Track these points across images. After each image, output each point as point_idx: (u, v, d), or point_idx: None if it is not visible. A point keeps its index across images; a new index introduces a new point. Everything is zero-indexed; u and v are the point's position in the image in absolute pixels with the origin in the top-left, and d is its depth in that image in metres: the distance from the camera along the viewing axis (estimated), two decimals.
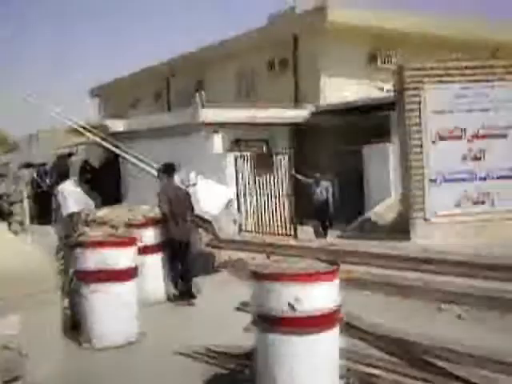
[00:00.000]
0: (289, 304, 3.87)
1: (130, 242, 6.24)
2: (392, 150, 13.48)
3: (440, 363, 4.28)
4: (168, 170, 7.91)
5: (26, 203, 14.35)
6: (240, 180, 14.55)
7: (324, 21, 17.40)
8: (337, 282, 4.06)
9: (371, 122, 14.32)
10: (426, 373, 4.26)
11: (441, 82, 11.03)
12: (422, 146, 10.95)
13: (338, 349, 4.11)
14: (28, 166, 18.47)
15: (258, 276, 4.06)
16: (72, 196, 6.57)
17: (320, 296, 3.94)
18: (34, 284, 2.32)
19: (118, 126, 19.51)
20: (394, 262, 7.59)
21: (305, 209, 13.05)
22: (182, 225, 7.73)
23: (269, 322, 3.97)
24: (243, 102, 19.31)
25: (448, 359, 4.38)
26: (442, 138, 10.98)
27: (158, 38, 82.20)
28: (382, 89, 17.95)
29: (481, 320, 6.23)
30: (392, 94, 12.82)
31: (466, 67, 11.17)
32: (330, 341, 4.04)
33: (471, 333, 5.88)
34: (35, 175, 17.20)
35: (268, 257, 6.13)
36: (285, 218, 13.41)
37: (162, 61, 24.83)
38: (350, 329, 4.48)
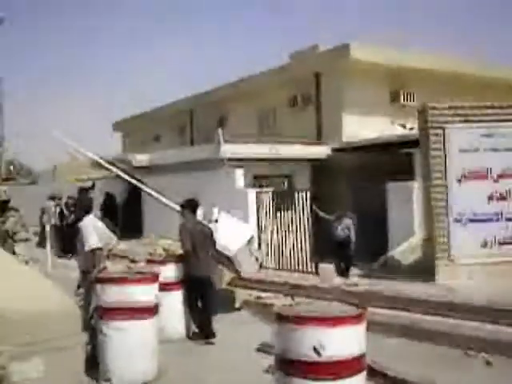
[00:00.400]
0: (314, 348, 3.76)
1: (152, 278, 6.18)
2: (416, 188, 13.34)
3: None
4: (191, 205, 7.88)
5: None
6: (261, 216, 14.48)
7: (347, 58, 17.51)
8: (363, 326, 3.94)
9: (394, 160, 14.22)
10: None
11: (466, 121, 10.97)
12: (446, 185, 10.83)
13: None
14: (53, 198, 18.70)
15: (282, 318, 3.96)
16: (95, 231, 6.55)
17: (346, 341, 3.82)
18: (58, 327, 2.26)
19: (140, 160, 19.71)
20: (420, 306, 7.41)
21: (326, 246, 12.88)
22: (204, 261, 7.64)
23: (292, 365, 3.85)
24: (265, 137, 19.40)
25: None
26: (467, 178, 10.85)
27: (179, 74, 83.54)
28: (404, 126, 17.92)
29: (510, 367, 6.02)
30: (415, 131, 12.76)
31: (491, 107, 11.11)
32: None
33: (499, 380, 5.70)
34: (63, 207, 17.35)
35: (292, 298, 6.01)
36: (306, 255, 13.26)
37: (185, 97, 25.19)
38: (375, 375, 4.33)
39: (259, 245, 13.82)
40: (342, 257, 12.82)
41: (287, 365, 3.90)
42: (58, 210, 17.49)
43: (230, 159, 15.72)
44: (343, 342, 3.81)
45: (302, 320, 3.84)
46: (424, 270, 10.98)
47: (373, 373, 4.30)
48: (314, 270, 12.72)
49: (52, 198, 19.52)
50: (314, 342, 3.76)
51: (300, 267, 13.11)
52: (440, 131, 10.91)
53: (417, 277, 10.65)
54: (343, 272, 12.55)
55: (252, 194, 14.87)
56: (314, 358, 3.77)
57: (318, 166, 17.13)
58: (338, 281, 11.04)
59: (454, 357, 6.46)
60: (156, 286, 6.14)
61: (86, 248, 6.43)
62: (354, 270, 12.72)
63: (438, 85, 17.24)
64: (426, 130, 11.04)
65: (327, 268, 12.20)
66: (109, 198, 20.62)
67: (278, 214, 14.17)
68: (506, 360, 6.23)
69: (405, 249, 12.79)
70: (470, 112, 10.99)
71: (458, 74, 18.35)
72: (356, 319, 3.90)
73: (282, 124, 20.31)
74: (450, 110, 10.98)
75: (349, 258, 12.82)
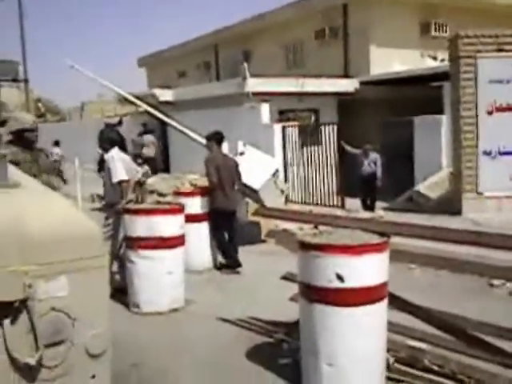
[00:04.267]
0: (337, 275, 3.80)
1: (178, 210, 6.27)
2: (445, 121, 13.08)
3: (488, 339, 4.14)
4: (217, 137, 7.87)
5: None
6: (287, 150, 14.44)
7: None
8: (387, 254, 3.96)
9: (423, 94, 13.92)
10: (474, 348, 4.14)
11: (498, 50, 10.60)
12: (477, 116, 10.59)
13: (385, 322, 4.03)
14: (57, 143, 19.21)
15: (305, 246, 3.99)
16: (122, 163, 6.62)
17: (369, 268, 3.85)
18: (82, 248, 2.32)
19: (166, 95, 19.63)
20: (445, 236, 7.35)
21: (352, 180, 12.86)
22: (230, 194, 7.71)
23: (315, 292, 3.91)
24: (291, 72, 19.07)
25: (496, 335, 4.24)
26: (498, 109, 10.59)
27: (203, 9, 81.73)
28: (435, 58, 17.43)
29: None
30: (446, 63, 12.41)
31: None
32: (377, 314, 3.95)
33: None
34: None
35: (316, 227, 6.04)
36: (332, 189, 13.29)
37: (210, 31, 24.75)
38: (396, 302, 4.37)
39: (285, 179, 13.85)
40: (368, 191, 12.81)
41: (310, 292, 3.96)
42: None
43: (255, 94, 15.55)
44: (365, 269, 3.84)
45: (324, 248, 3.86)
46: (451, 204, 10.93)
47: (395, 301, 4.34)
48: (339, 203, 12.78)
49: (56, 143, 20.03)
50: (337, 269, 3.79)
51: (326, 201, 13.16)
52: (471, 61, 10.59)
53: (443, 211, 10.61)
54: (369, 206, 12.57)
55: (278, 128, 14.77)
56: (337, 284, 3.81)
57: (345, 101, 16.87)
58: (363, 214, 11.07)
59: (478, 287, 6.49)
60: (182, 217, 6.24)
61: (114, 180, 6.52)
62: (379, 204, 12.72)
63: (471, 15, 16.60)
64: (457, 60, 10.73)
65: (353, 201, 12.22)
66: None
67: (305, 149, 14.11)
68: None
69: (431, 183, 12.68)
70: (503, 40, 10.60)
71: (490, 4, 17.65)
72: (379, 247, 3.91)
73: (309, 58, 19.89)
74: (482, 39, 10.60)
75: (375, 192, 12.80)
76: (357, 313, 3.85)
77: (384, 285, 3.97)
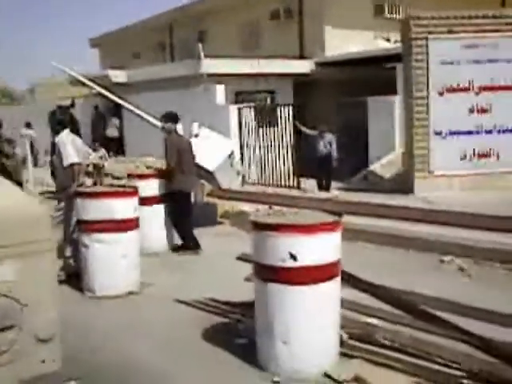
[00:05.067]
0: (290, 254, 3.84)
1: (132, 192, 6.21)
2: (398, 102, 13.28)
3: (439, 314, 4.27)
4: (171, 117, 7.78)
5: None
6: (243, 132, 14.42)
7: None
8: (339, 233, 4.02)
9: (377, 75, 14.07)
10: (427, 323, 4.26)
11: (449, 32, 10.78)
12: (428, 97, 10.78)
13: (338, 300, 4.10)
14: (28, 124, 18.66)
15: (258, 226, 4.02)
16: (73, 146, 6.49)
17: (321, 247, 3.90)
18: (28, 232, 2.28)
19: (119, 76, 19.29)
20: (397, 214, 7.54)
21: (308, 161, 12.96)
22: (189, 175, 7.67)
23: (269, 271, 3.95)
24: (247, 53, 18.97)
25: (447, 310, 4.38)
26: (448, 90, 10.80)
27: None
28: (388, 40, 17.61)
29: (482, 273, 6.24)
30: (399, 45, 12.55)
31: (475, 17, 10.89)
32: (330, 292, 4.02)
33: (470, 284, 5.93)
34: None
35: (270, 208, 6.09)
36: (288, 170, 13.37)
37: (164, 11, 24.36)
38: (349, 279, 4.45)
39: (242, 160, 13.85)
40: (323, 171, 12.94)
41: (264, 272, 3.99)
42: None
43: (210, 75, 15.43)
44: (318, 248, 3.89)
45: (276, 227, 3.89)
46: (404, 183, 11.14)
47: (348, 279, 4.42)
48: (296, 184, 12.88)
49: (28, 124, 19.50)
50: (290, 249, 3.84)
51: (282, 182, 13.24)
52: (423, 42, 10.74)
53: (396, 190, 10.82)
54: (324, 187, 12.71)
55: (234, 110, 14.71)
56: (291, 263, 3.86)
57: (301, 82, 16.91)
58: (319, 194, 11.19)
59: (430, 263, 6.66)
60: (136, 199, 6.18)
61: (65, 163, 6.39)
62: (335, 185, 12.88)
63: None
64: (409, 41, 10.86)
65: (309, 182, 12.33)
66: (98, 115, 20.33)
67: (261, 130, 14.13)
68: (479, 266, 6.44)
69: (385, 163, 12.90)
70: (454, 22, 10.78)
71: None
72: (331, 226, 3.96)
73: (265, 39, 19.82)
74: (433, 21, 10.76)
75: (330, 172, 12.95)
76: (310, 291, 3.91)
77: (337, 263, 4.03)
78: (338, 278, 4.09)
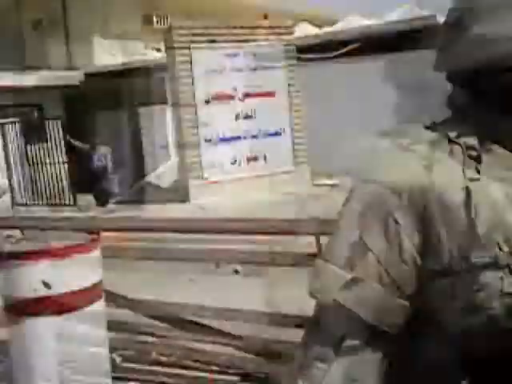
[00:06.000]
0: (43, 282, 3.54)
1: None
2: (169, 111, 13.40)
3: (204, 321, 4.29)
4: None
5: None
6: (8, 150, 13.37)
7: None
8: (96, 253, 3.81)
9: (149, 84, 14.06)
10: (193, 332, 4.27)
11: (211, 41, 11.14)
12: (195, 106, 11.03)
13: (104, 323, 3.90)
14: None
15: (4, 256, 3.64)
16: None
17: (76, 271, 3.66)
18: None
19: None
20: (171, 225, 7.49)
21: (84, 176, 12.48)
22: None
23: (22, 305, 3.60)
24: (6, 66, 17.63)
25: (212, 316, 4.41)
26: (214, 98, 11.17)
27: None
28: (159, 50, 17.72)
29: (253, 272, 6.49)
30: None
31: (235, 27, 11.43)
32: (95, 316, 3.80)
33: (242, 282, 6.14)
34: None
35: (22, 233, 5.58)
36: (63, 187, 12.78)
37: None
38: (113, 299, 4.28)
39: (10, 181, 12.86)
40: (99, 186, 12.57)
41: (17, 305, 3.63)
42: None
43: None
44: (72, 272, 3.64)
45: (25, 255, 3.57)
46: (180, 191, 11.25)
47: (112, 297, 4.24)
48: (72, 201, 12.33)
49: None
50: (42, 276, 3.54)
51: (57, 200, 12.59)
52: (186, 51, 10.96)
53: (173, 199, 10.87)
54: (102, 201, 12.35)
55: None
56: (45, 292, 3.56)
57: (71, 94, 16.19)
58: (96, 210, 10.81)
59: (206, 269, 6.74)
60: None
61: None
62: (113, 198, 12.57)
63: (193, 11, 17.17)
64: (173, 50, 11.01)
65: (85, 198, 11.89)
66: None
67: (30, 147, 13.28)
68: (251, 267, 6.69)
69: (161, 173, 12.96)
70: (215, 32, 11.19)
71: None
72: (85, 247, 3.74)
73: (29, 50, 18.60)
74: (194, 30, 11.04)
75: (106, 186, 12.62)
76: (72, 319, 3.64)
77: (97, 285, 3.82)
78: (102, 300, 3.88)
